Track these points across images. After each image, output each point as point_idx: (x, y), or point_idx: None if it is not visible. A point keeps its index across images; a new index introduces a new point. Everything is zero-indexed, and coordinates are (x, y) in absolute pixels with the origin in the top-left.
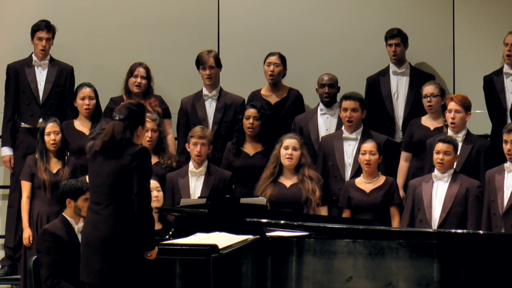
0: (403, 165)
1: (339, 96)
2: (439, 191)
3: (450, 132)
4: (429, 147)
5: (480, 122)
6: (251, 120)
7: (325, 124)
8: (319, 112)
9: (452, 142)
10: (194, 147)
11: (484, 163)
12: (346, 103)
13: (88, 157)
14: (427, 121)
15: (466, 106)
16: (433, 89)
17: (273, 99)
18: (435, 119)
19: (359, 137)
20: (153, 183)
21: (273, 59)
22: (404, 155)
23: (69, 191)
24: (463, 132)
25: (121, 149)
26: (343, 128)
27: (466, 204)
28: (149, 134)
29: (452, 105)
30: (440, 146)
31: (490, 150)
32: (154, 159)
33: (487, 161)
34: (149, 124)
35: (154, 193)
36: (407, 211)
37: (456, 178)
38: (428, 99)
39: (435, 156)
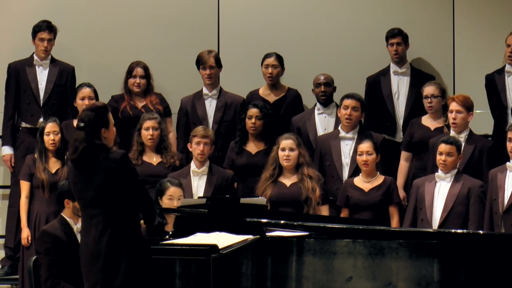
0: (403, 165)
1: (335, 96)
2: (441, 190)
3: (452, 133)
4: (431, 147)
5: (481, 122)
6: (253, 120)
7: (323, 123)
8: (316, 112)
9: (455, 143)
10: (197, 146)
11: (487, 163)
12: (348, 101)
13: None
14: (428, 121)
15: (467, 106)
16: (434, 89)
17: (272, 98)
18: (436, 119)
19: (355, 137)
20: (179, 191)
21: (271, 60)
22: (404, 154)
23: (67, 192)
24: (466, 132)
25: (91, 157)
26: (339, 127)
27: (468, 204)
28: (150, 132)
29: (453, 106)
30: (443, 147)
31: (492, 150)
32: (157, 159)
33: (490, 161)
34: (150, 123)
35: (174, 203)
36: (409, 210)
37: (459, 178)
38: (429, 99)
39: (438, 157)
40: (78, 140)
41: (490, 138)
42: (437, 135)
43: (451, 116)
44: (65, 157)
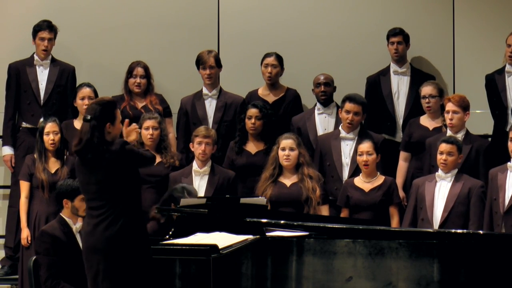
0: (402, 165)
1: (335, 95)
2: (441, 190)
3: (449, 133)
4: (428, 147)
5: (481, 122)
6: (253, 120)
7: (323, 123)
8: (316, 112)
9: (456, 142)
10: (199, 146)
11: (483, 162)
12: (350, 106)
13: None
14: (426, 121)
15: (463, 106)
16: (431, 89)
17: (271, 98)
18: (434, 119)
19: (356, 137)
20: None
21: (270, 60)
22: (403, 155)
23: (65, 192)
24: (462, 132)
25: (96, 150)
26: (340, 127)
27: (468, 204)
28: (150, 131)
29: (449, 106)
30: (443, 146)
31: (489, 150)
32: (156, 158)
33: (487, 161)
34: (150, 122)
35: None
36: (409, 209)
37: (459, 178)
38: (427, 100)
39: (438, 156)
40: (82, 132)
41: (490, 139)
42: (437, 135)
43: (447, 116)
44: (65, 157)
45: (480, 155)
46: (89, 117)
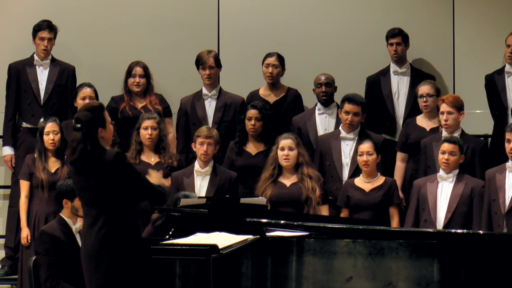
0: (399, 166)
1: (336, 96)
2: (444, 191)
3: (444, 133)
4: (423, 148)
5: (481, 122)
6: (252, 121)
7: (323, 123)
8: (317, 112)
9: (458, 142)
10: (201, 147)
11: (479, 162)
12: (349, 106)
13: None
14: (423, 121)
15: (458, 106)
16: (429, 89)
17: (272, 98)
18: (431, 119)
19: (356, 137)
20: None
21: (272, 60)
22: (400, 155)
23: (65, 192)
24: (458, 132)
25: (90, 157)
26: (340, 128)
27: (471, 204)
28: (149, 131)
29: (444, 107)
30: (445, 146)
31: (485, 150)
32: (155, 159)
33: (482, 161)
34: (149, 122)
35: None
36: (411, 211)
37: (461, 178)
38: (424, 99)
39: (440, 156)
40: (75, 141)
41: (490, 139)
42: (432, 135)
43: (442, 117)
44: (65, 157)
45: (476, 155)
46: (79, 125)
